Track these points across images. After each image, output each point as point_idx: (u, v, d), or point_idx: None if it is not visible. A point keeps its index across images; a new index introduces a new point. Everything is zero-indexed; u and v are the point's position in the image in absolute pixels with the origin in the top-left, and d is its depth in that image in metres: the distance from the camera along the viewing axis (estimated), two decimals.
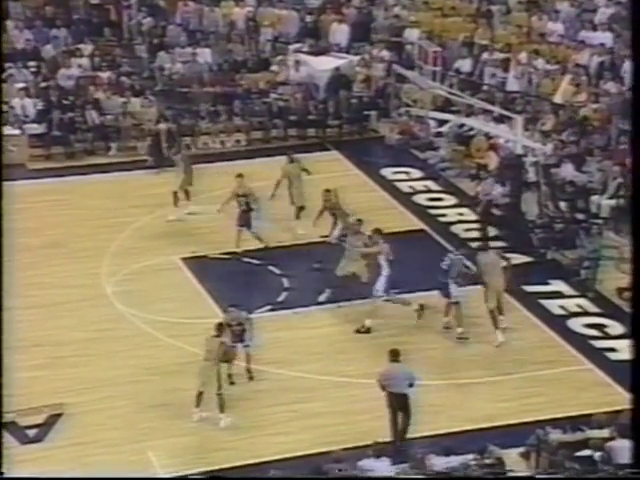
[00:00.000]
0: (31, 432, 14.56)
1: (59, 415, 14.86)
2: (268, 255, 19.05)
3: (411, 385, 14.19)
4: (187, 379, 15.13)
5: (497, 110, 22.60)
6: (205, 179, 22.10)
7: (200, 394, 14.77)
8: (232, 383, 15.39)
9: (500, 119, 22.50)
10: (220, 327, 14.97)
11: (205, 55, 26.01)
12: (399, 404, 14.24)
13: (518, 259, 19.31)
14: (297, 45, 26.50)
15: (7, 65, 24.54)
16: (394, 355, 14.40)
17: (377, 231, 17.38)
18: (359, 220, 18.02)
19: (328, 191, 19.16)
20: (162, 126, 23.50)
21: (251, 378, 15.67)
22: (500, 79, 24.81)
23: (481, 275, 16.92)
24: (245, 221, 19.04)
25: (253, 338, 15.64)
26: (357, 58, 26.00)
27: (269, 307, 17.70)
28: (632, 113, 11.74)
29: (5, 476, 11.98)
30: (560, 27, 25.67)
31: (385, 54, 26.08)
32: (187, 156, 21.47)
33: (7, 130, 22.91)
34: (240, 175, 19.29)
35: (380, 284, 16.99)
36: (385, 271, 17.00)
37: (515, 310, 17.82)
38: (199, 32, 26.84)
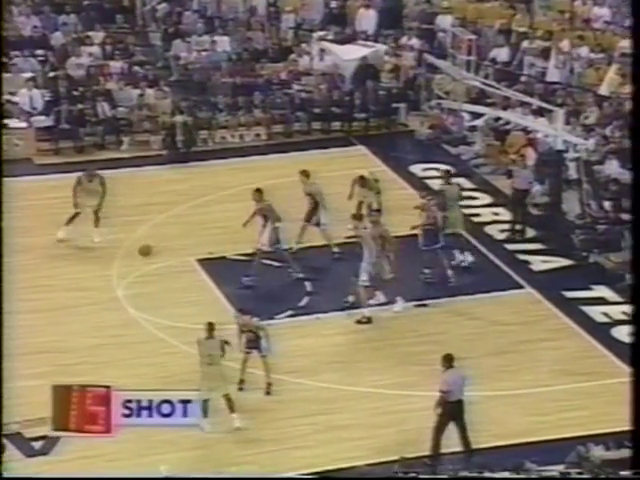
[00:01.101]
0: (37, 444, 14.59)
1: None
2: (290, 257, 19.04)
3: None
4: None
5: (536, 102, 22.53)
6: (223, 176, 22.18)
7: (206, 402, 14.77)
8: (240, 389, 15.39)
9: (539, 112, 22.43)
10: (211, 326, 15.00)
11: (223, 43, 26.07)
12: (457, 412, 14.15)
13: (558, 262, 19.31)
14: (321, 33, 26.53)
15: (13, 54, 24.73)
16: (449, 360, 14.31)
17: (355, 217, 17.86)
18: (378, 210, 18.09)
19: (259, 191, 18.43)
20: (178, 119, 23.62)
21: (268, 393, 15.67)
22: (540, 69, 24.72)
23: (445, 206, 18.61)
24: (311, 218, 19.09)
25: (270, 347, 15.63)
26: (385, 47, 26.00)
27: (290, 312, 17.74)
28: (632, 112, 11.81)
29: (5, 476, 12.08)
30: (606, 12, 25.59)
31: (415, 42, 26.04)
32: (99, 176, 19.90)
33: (13, 123, 23.14)
34: (305, 173, 19.27)
35: (362, 273, 17.22)
36: (366, 260, 17.17)
37: (554, 317, 17.79)
38: (217, 19, 26.92)
